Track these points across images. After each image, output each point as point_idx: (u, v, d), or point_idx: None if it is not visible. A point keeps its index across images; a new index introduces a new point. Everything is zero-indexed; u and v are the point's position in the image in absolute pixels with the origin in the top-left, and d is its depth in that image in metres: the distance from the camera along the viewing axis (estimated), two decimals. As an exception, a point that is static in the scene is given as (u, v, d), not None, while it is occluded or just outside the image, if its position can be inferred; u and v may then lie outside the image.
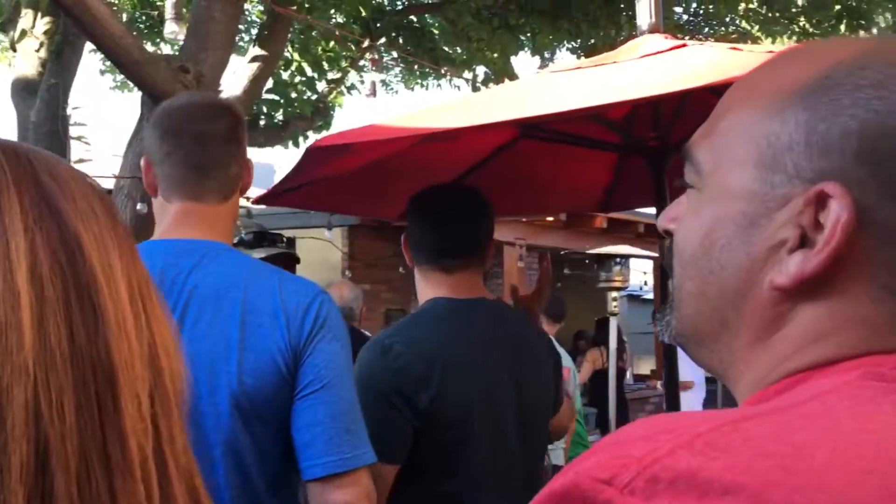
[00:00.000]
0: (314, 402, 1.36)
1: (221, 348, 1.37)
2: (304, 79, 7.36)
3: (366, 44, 7.54)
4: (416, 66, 8.43)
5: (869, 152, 0.52)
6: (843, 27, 6.77)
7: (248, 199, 2.41)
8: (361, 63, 7.77)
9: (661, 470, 0.44)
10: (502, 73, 7.92)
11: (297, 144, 7.38)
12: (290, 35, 6.65)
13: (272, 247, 3.69)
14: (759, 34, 7.50)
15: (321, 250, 8.22)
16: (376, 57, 7.41)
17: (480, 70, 8.28)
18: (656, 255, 6.94)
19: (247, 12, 6.74)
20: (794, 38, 7.36)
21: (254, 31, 7.30)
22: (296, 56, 7.27)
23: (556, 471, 0.69)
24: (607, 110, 2.28)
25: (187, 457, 0.58)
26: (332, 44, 7.32)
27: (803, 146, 0.55)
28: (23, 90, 6.17)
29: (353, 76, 8.09)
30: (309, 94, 7.63)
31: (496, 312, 1.78)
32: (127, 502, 0.51)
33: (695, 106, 2.16)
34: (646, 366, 11.15)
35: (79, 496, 0.49)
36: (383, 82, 8.99)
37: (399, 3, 7.66)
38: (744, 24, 7.32)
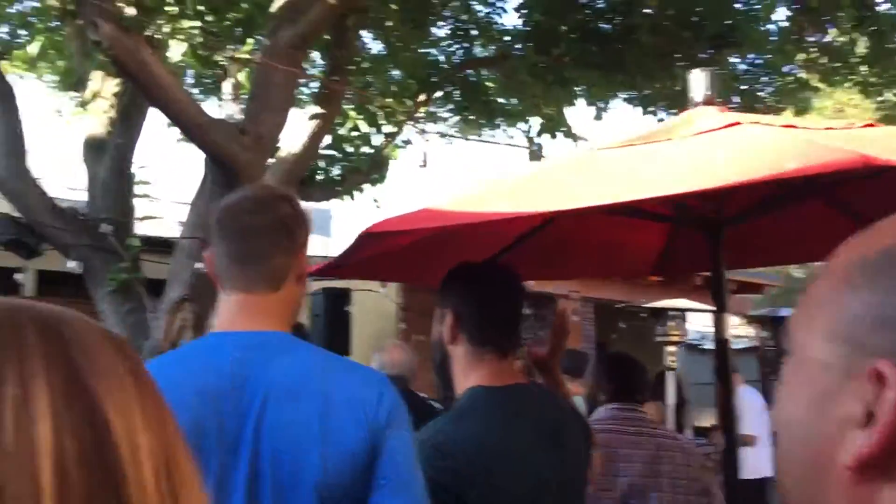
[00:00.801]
0: (392, 495, 1.41)
1: (303, 442, 1.41)
2: (360, 133, 7.49)
3: (422, 98, 7.66)
4: (471, 117, 8.51)
5: None
6: (906, 75, 6.63)
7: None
8: (417, 118, 7.88)
9: None
10: (556, 124, 7.94)
11: (352, 197, 7.49)
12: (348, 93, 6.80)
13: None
14: (819, 83, 7.38)
15: (376, 301, 8.28)
16: (423, 129, 7.53)
17: (535, 120, 8.32)
18: (713, 308, 6.80)
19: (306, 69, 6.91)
20: (857, 87, 7.22)
21: (314, 85, 7.47)
22: (352, 113, 7.41)
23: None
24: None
25: None
26: (388, 99, 7.45)
27: (869, 321, 0.54)
28: (92, 149, 6.41)
29: (408, 131, 8.20)
30: (365, 148, 7.75)
31: (534, 399, 1.78)
32: None
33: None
34: (707, 419, 10.84)
35: None
36: (441, 134, 9.10)
37: (455, 58, 7.76)
38: (802, 73, 7.21)
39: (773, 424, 0.64)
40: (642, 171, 1.82)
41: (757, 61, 7.37)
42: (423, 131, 8.22)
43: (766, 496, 6.84)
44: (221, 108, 7.07)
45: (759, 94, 7.44)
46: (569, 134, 7.89)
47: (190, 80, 7.73)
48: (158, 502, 0.56)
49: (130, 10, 4.29)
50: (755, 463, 6.41)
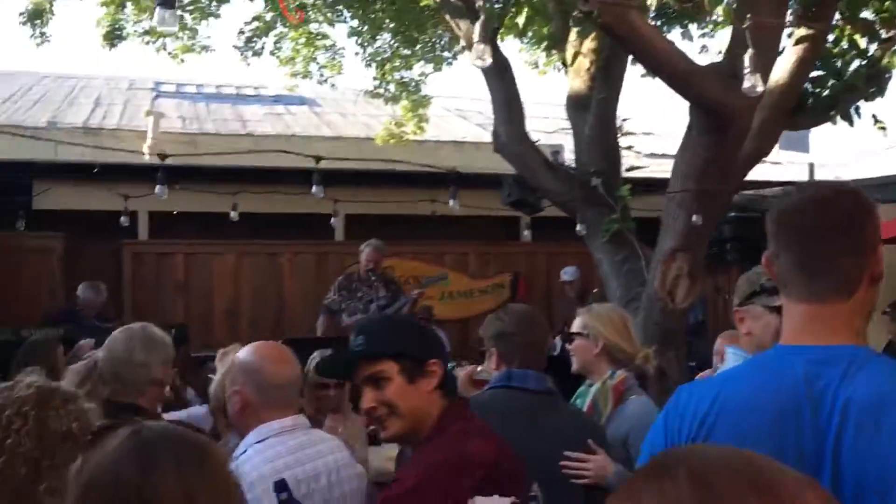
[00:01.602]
0: None
1: (890, 473, 1.31)
2: (853, 48, 6.64)
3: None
4: None
5: None
6: None
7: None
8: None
9: None
10: None
11: (849, 121, 6.72)
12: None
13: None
14: None
15: None
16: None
17: None
18: None
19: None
20: None
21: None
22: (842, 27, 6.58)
23: None
24: None
25: None
26: (886, 3, 6.46)
27: None
28: (576, 105, 6.74)
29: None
30: (859, 61, 6.86)
31: None
32: None
33: None
34: None
35: None
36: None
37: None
38: None
39: None
40: None
41: None
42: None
43: None
44: (684, 38, 6.81)
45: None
46: None
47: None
48: None
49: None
50: None
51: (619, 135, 6.41)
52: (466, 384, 3.30)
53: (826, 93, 6.86)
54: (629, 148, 6.59)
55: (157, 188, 5.28)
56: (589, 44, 6.39)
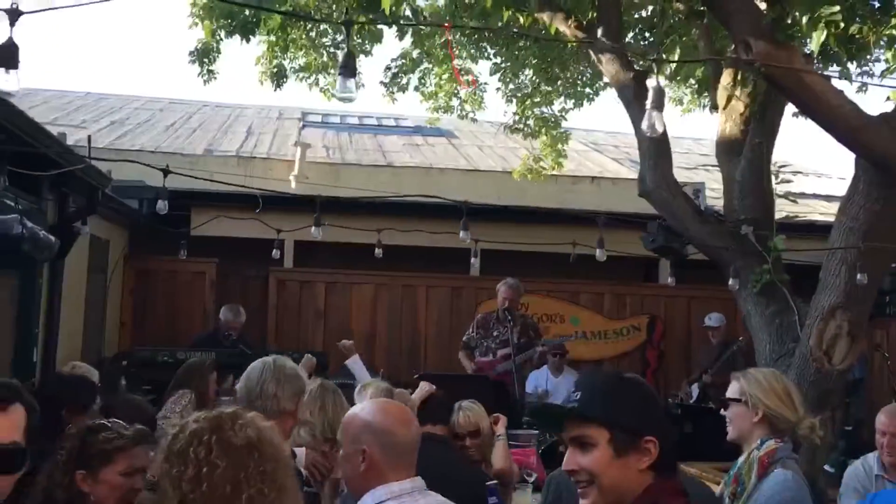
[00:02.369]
0: None
1: None
2: None
3: None
4: None
5: None
6: None
7: None
8: None
9: None
10: None
11: None
12: None
13: None
14: None
15: None
16: None
17: None
18: None
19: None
20: None
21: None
22: None
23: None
24: None
25: None
26: None
27: None
28: (727, 150, 6.51)
29: None
30: None
31: None
32: None
33: None
34: None
35: None
36: None
37: None
38: None
39: None
40: None
41: None
42: None
43: None
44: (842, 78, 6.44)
45: None
46: None
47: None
48: None
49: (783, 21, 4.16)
50: None
51: (774, 181, 6.13)
52: None
53: None
54: (785, 196, 6.29)
55: (313, 229, 5.49)
56: (744, 88, 6.17)
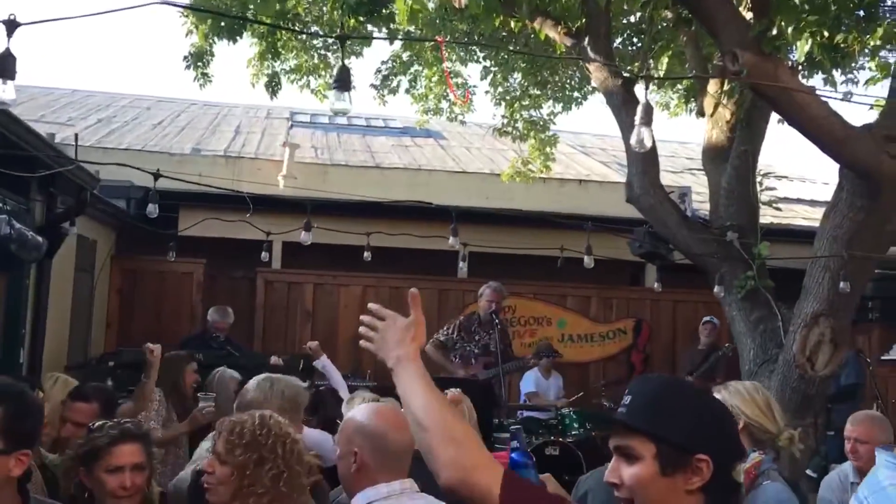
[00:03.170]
0: None
1: None
2: None
3: None
4: None
5: None
6: None
7: None
8: None
9: None
10: None
11: None
12: None
13: None
14: None
15: None
16: None
17: None
18: None
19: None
20: None
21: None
22: None
23: None
24: None
25: None
26: None
27: None
28: (713, 156, 6.58)
29: None
30: None
31: None
32: None
33: None
34: None
35: None
36: None
37: None
38: None
39: None
40: None
41: None
42: None
43: None
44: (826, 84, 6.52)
45: None
46: None
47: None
48: None
49: (769, 33, 4.22)
50: None
51: (759, 189, 6.20)
52: None
53: None
54: (769, 204, 6.35)
55: (303, 234, 5.49)
56: (731, 97, 6.23)
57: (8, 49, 2.19)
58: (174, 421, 4.95)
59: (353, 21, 6.23)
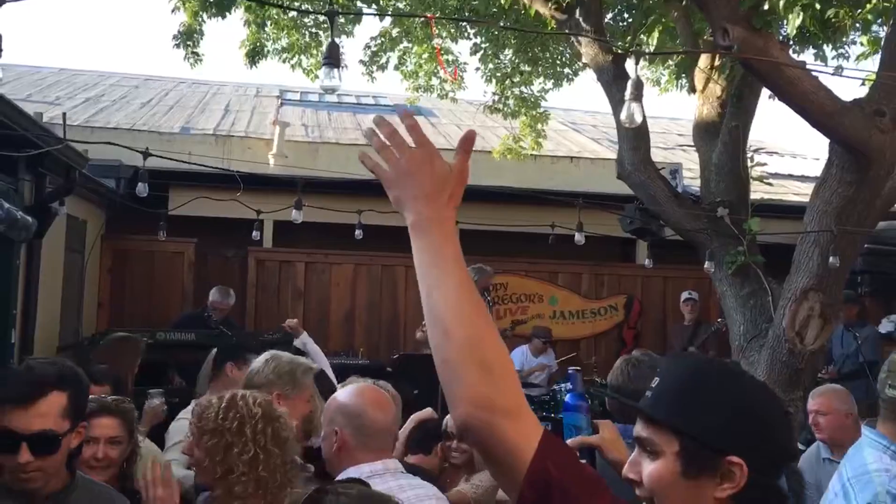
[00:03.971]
0: None
1: None
2: None
3: None
4: None
5: None
6: None
7: None
8: None
9: None
10: None
11: None
12: None
13: None
14: None
15: None
16: None
17: None
18: None
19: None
20: None
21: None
22: None
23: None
24: None
25: None
26: None
27: None
28: (704, 132, 6.58)
29: None
30: None
31: None
32: None
33: None
34: None
35: None
36: None
37: None
38: None
39: None
40: None
41: None
42: None
43: None
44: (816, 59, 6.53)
45: None
46: None
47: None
48: None
49: (760, 7, 4.20)
50: None
51: (749, 165, 6.20)
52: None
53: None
54: (760, 179, 6.36)
55: (294, 213, 5.48)
56: (722, 73, 6.22)
57: (-7, 27, 2.16)
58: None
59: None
